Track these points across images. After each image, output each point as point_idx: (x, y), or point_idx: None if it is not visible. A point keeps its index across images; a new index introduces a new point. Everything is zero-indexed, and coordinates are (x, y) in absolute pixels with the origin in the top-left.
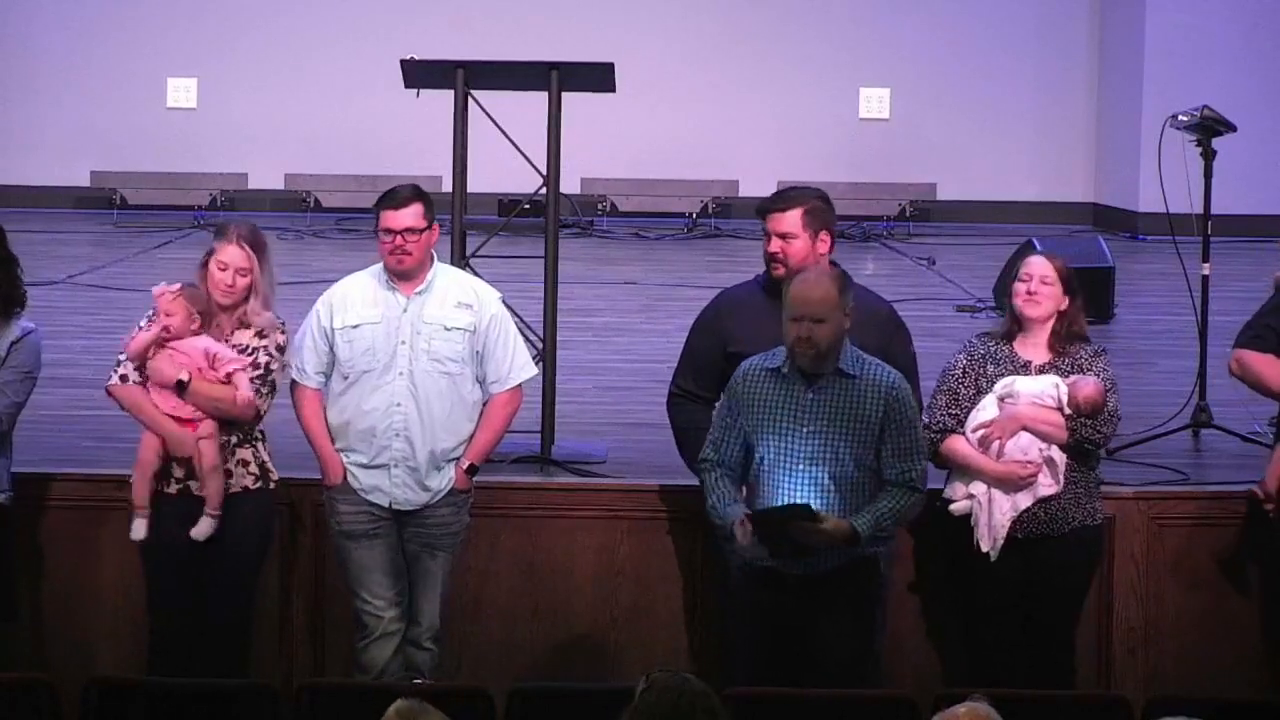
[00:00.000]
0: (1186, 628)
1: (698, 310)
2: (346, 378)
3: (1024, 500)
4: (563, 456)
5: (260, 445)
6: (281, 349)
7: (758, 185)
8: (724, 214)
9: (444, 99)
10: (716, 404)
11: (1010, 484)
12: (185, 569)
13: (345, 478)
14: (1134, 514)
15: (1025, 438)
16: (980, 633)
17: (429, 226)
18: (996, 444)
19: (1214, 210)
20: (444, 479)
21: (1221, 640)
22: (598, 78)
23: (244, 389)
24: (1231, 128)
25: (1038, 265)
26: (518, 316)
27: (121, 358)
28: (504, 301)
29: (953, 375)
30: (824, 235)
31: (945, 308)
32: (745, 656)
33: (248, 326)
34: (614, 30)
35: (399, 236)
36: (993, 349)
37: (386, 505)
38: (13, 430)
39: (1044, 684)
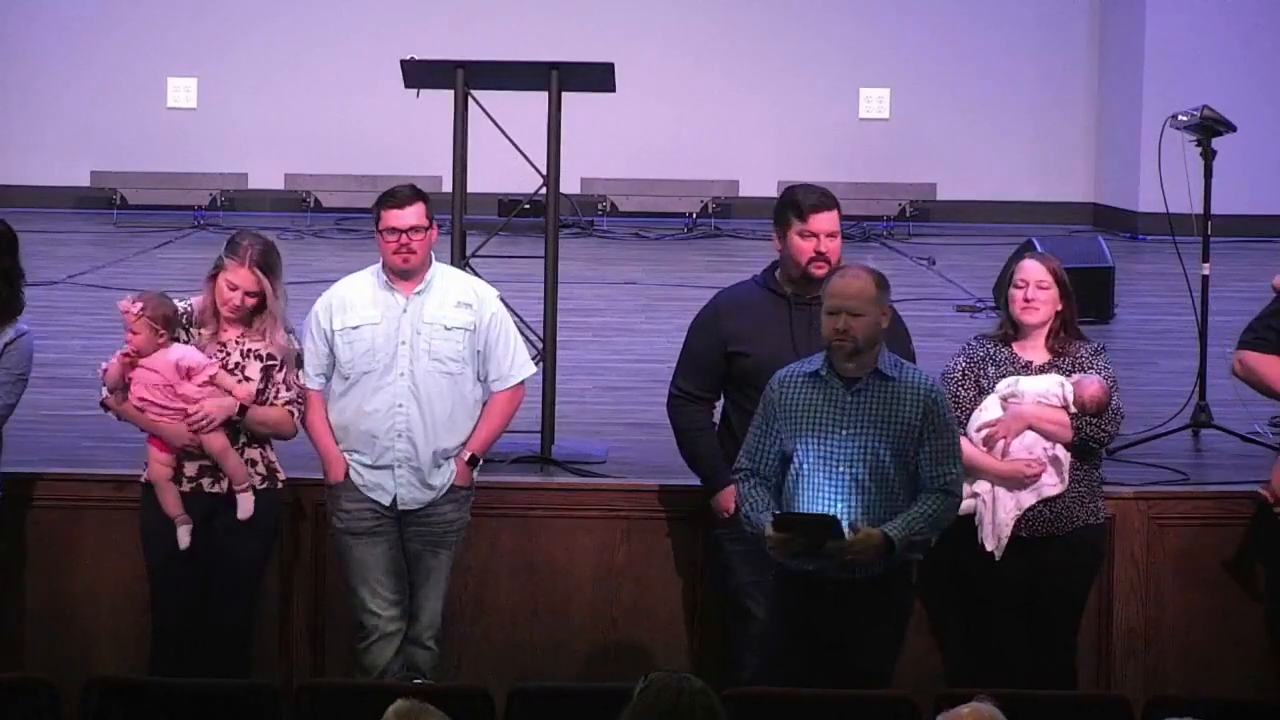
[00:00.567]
0: (1187, 628)
1: (697, 310)
2: (347, 379)
3: (1028, 499)
4: (563, 456)
5: (268, 446)
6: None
7: (758, 185)
8: (724, 214)
9: (444, 99)
10: (718, 405)
11: (1015, 483)
12: (192, 569)
13: (348, 475)
14: (1134, 514)
15: (1030, 436)
16: (982, 632)
17: (430, 225)
18: (1001, 443)
19: (1214, 210)
20: (445, 475)
21: (1222, 640)
22: (598, 78)
23: (230, 383)
24: (1231, 128)
25: (1033, 271)
26: (517, 316)
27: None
28: (502, 300)
29: (952, 378)
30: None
31: (945, 308)
32: (781, 661)
33: (263, 337)
34: (614, 30)
35: (404, 235)
36: (992, 350)
37: (389, 504)
38: (2, 431)
39: (1046, 684)
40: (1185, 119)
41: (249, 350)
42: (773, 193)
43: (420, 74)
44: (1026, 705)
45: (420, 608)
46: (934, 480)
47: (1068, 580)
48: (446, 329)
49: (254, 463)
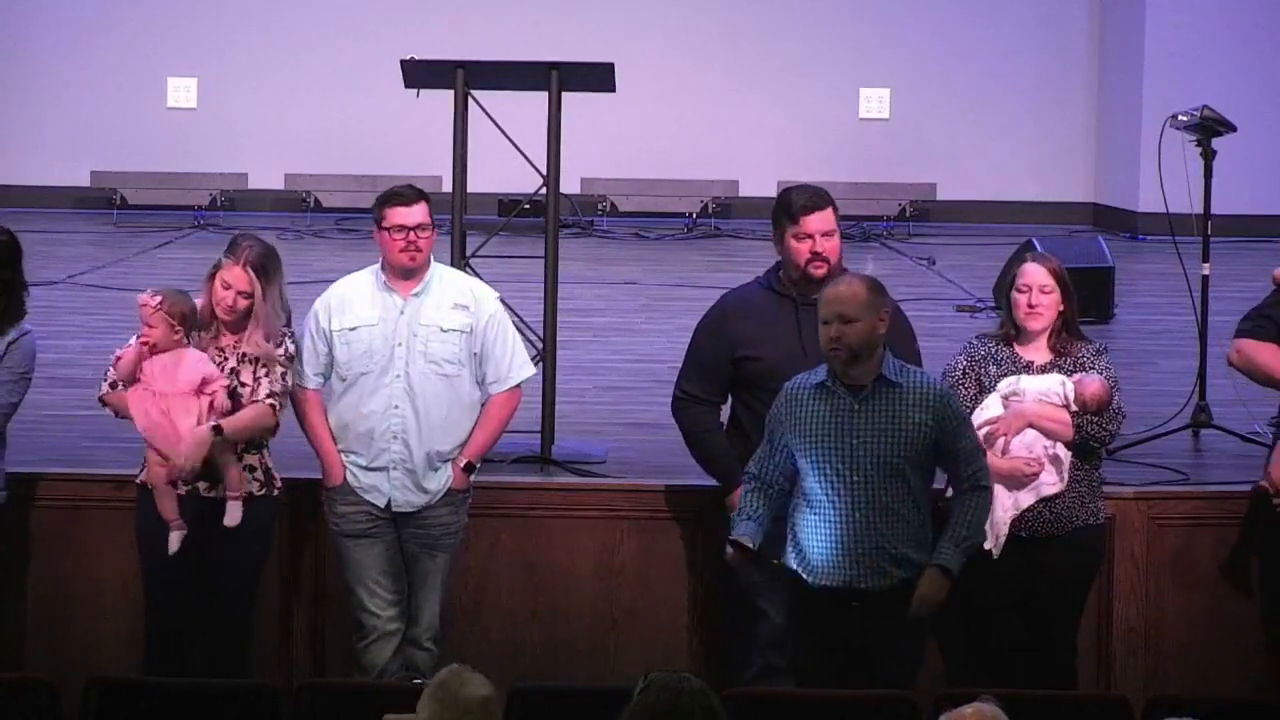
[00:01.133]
0: (1186, 628)
1: (698, 310)
2: (345, 379)
3: (1026, 499)
4: (563, 456)
5: (265, 452)
6: (292, 358)
7: (758, 185)
8: (724, 214)
9: (444, 99)
10: (724, 407)
11: (1014, 481)
12: (187, 572)
13: (345, 477)
14: (1134, 514)
15: (1030, 435)
16: (981, 632)
17: (432, 226)
18: (1002, 441)
19: (1214, 210)
20: (441, 480)
21: (1222, 640)
22: (598, 78)
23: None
24: (1231, 128)
25: (1035, 274)
26: (516, 316)
27: (110, 373)
28: (502, 300)
29: (953, 377)
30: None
31: (945, 308)
32: (804, 672)
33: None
34: (614, 30)
35: (412, 232)
36: (993, 350)
37: (384, 505)
38: (6, 430)
39: (1046, 684)
40: (1185, 119)
41: (244, 355)
42: (773, 193)
43: (420, 74)
44: (1026, 705)
45: (419, 609)
46: (969, 479)
47: (1068, 580)
48: (443, 331)
49: (252, 469)
